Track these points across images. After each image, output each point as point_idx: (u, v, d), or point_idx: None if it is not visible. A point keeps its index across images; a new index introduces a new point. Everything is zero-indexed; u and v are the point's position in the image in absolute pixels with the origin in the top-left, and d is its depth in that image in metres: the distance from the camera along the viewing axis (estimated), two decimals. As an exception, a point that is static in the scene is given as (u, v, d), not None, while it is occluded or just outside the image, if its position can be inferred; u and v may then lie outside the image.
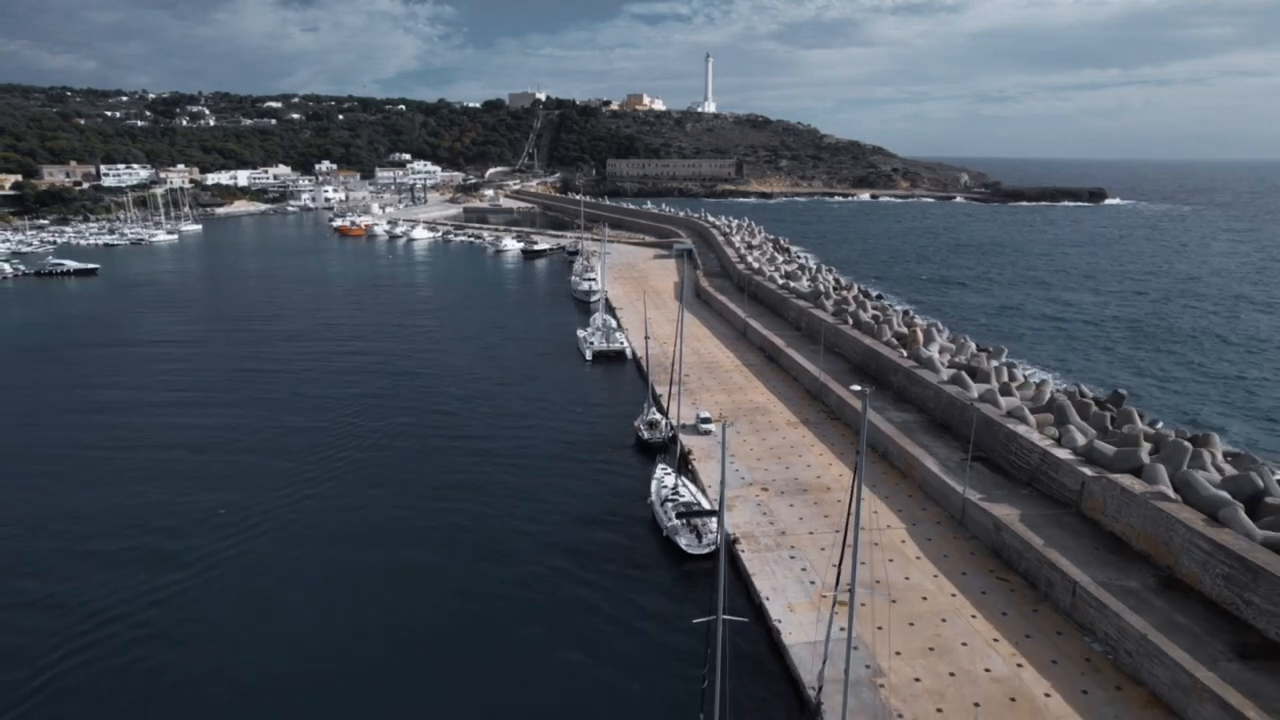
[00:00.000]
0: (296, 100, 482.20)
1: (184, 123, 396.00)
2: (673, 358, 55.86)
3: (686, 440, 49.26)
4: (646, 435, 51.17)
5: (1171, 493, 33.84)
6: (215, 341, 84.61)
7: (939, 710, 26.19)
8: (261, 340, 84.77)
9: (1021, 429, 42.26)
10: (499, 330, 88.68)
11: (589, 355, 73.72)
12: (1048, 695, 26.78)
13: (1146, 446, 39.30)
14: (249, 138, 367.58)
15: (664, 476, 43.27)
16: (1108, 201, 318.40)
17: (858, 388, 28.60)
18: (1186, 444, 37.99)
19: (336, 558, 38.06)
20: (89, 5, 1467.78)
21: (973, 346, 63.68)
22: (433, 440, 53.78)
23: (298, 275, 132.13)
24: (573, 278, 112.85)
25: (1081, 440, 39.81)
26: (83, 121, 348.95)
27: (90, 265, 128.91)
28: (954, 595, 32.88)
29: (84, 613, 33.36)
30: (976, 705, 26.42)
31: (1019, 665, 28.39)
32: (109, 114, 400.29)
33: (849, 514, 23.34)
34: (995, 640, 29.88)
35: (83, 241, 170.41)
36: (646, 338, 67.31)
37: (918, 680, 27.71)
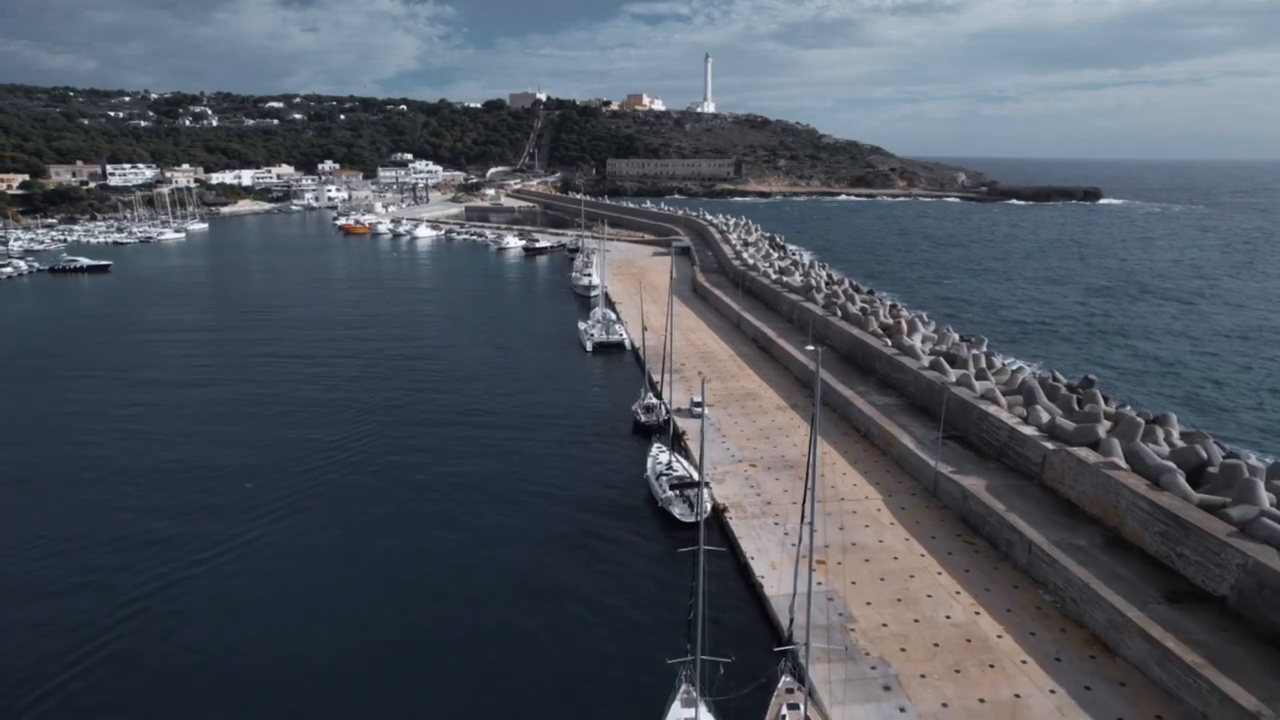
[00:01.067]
0: (298, 100, 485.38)
1: (187, 123, 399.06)
2: (664, 344, 58.99)
3: (681, 423, 52.58)
4: (643, 418, 54.37)
5: (1123, 463, 36.98)
6: (233, 330, 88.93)
7: (902, 650, 29.36)
8: (276, 329, 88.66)
9: (992, 409, 45.44)
10: (503, 323, 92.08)
11: (589, 346, 76.94)
12: (1000, 637, 29.97)
13: (1106, 424, 42.46)
14: (252, 138, 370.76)
15: (659, 454, 46.43)
16: (1102, 201, 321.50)
17: (811, 347, 31.88)
18: (1140, 420, 41.20)
19: (361, 514, 41.55)
20: (89, 5, 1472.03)
21: (955, 337, 66.89)
22: (442, 421, 57.21)
23: (306, 271, 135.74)
24: (573, 274, 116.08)
25: (1046, 418, 43.01)
26: (86, 122, 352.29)
27: (103, 262, 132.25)
28: (922, 555, 36.08)
29: (150, 552, 36.57)
30: (936, 645, 29.59)
31: (977, 613, 31.57)
32: (112, 114, 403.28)
33: (809, 464, 26.38)
34: (957, 593, 33.06)
35: (92, 240, 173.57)
36: (644, 329, 70.54)
37: (885, 626, 30.88)
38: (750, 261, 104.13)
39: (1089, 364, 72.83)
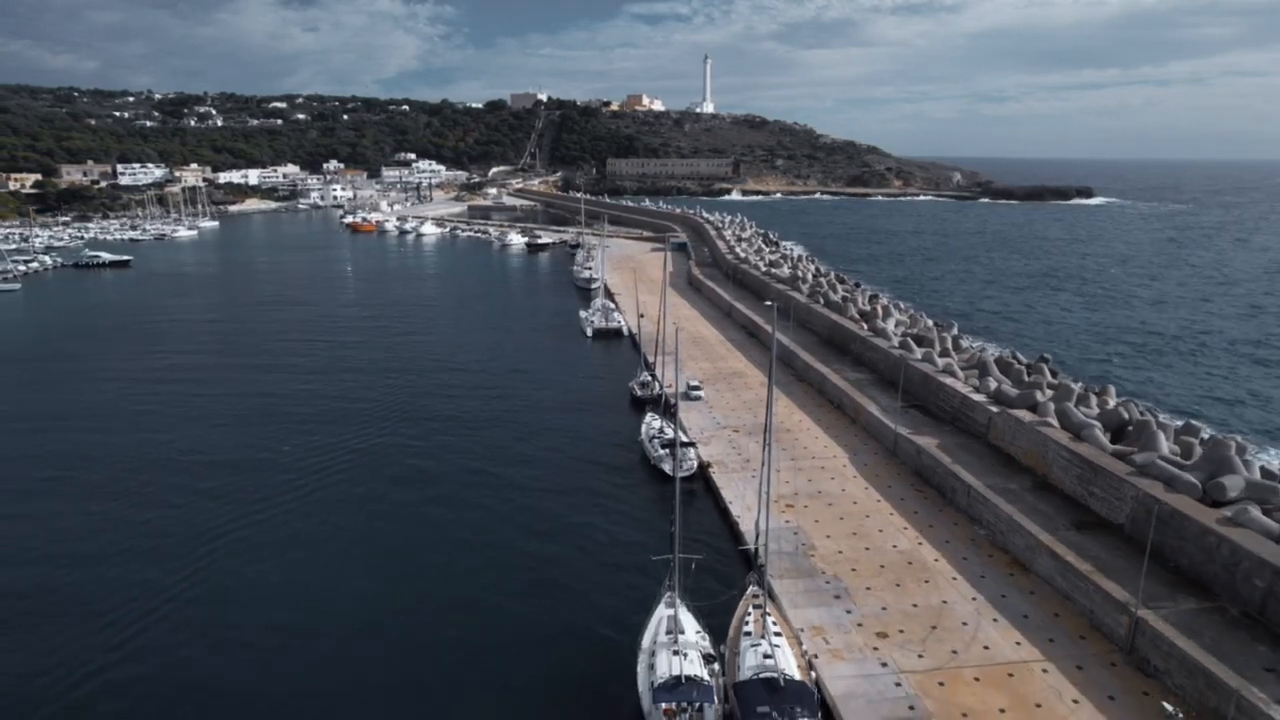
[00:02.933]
0: (301, 100, 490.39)
1: (192, 123, 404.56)
2: (658, 325, 64.40)
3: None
4: (639, 393, 60.00)
5: (1054, 421, 42.55)
6: (261, 317, 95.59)
7: (853, 570, 34.91)
8: (298, 317, 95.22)
9: (949, 380, 51.00)
10: (508, 312, 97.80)
11: (590, 333, 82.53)
12: (936, 560, 35.53)
13: (1049, 392, 48.02)
14: (257, 138, 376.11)
15: (652, 421, 52.01)
16: (1094, 200, 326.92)
17: (769, 302, 37.58)
18: (1074, 387, 46.85)
19: (396, 467, 47.16)
20: (90, 5, 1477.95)
21: (928, 321, 72.48)
22: (458, 395, 63.19)
23: (321, 266, 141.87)
24: (574, 268, 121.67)
25: (994, 386, 48.59)
26: (93, 122, 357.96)
27: (124, 257, 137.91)
28: (878, 501, 41.64)
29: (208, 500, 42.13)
30: (882, 567, 35.15)
31: (919, 543, 37.13)
32: (117, 114, 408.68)
33: (768, 403, 31.87)
34: (905, 528, 38.63)
35: (108, 237, 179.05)
36: (640, 316, 76.23)
37: (840, 552, 36.44)
38: (742, 255, 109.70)
39: (1047, 345, 78.41)
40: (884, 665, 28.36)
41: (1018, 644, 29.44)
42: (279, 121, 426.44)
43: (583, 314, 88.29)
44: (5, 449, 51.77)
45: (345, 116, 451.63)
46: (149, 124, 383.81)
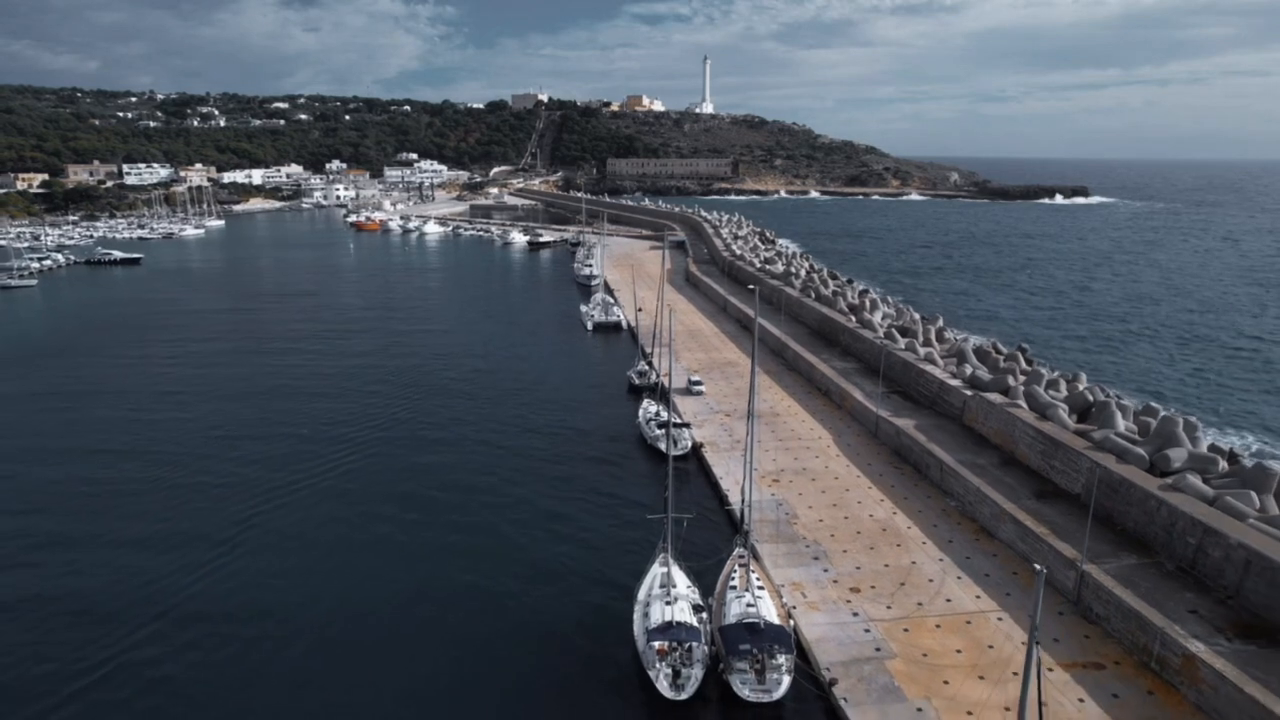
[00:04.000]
0: (302, 100, 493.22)
1: (195, 123, 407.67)
2: (655, 317, 67.48)
3: (678, 399, 61.05)
4: (637, 381, 63.16)
5: (1023, 403, 45.71)
6: (270, 310, 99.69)
7: (831, 536, 38.07)
8: (309, 309, 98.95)
9: (929, 367, 54.16)
10: (512, 307, 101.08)
11: (590, 326, 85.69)
12: (908, 528, 38.69)
13: (1022, 378, 51.17)
14: (260, 138, 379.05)
15: (649, 405, 55.18)
16: (1089, 199, 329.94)
17: (752, 286, 40.66)
18: (1045, 373, 50.00)
19: (413, 439, 50.64)
20: (91, 5, 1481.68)
21: (914, 314, 75.64)
22: (465, 380, 67.06)
23: (328, 262, 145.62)
24: (575, 265, 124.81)
25: (970, 372, 51.75)
26: (97, 122, 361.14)
27: (135, 255, 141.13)
28: (859, 476, 44.82)
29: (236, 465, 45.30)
30: (858, 533, 38.31)
31: (894, 513, 40.29)
32: (121, 115, 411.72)
33: (751, 374, 34.99)
34: (881, 500, 41.79)
35: (117, 236, 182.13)
36: (638, 310, 79.35)
37: (820, 521, 39.60)
38: (738, 253, 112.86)
39: (1028, 336, 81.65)
40: (855, 615, 31.53)
41: (977, 597, 32.62)
42: (281, 122, 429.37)
43: (583, 309, 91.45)
44: (46, 425, 55.31)
45: (347, 117, 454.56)
46: (153, 124, 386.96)
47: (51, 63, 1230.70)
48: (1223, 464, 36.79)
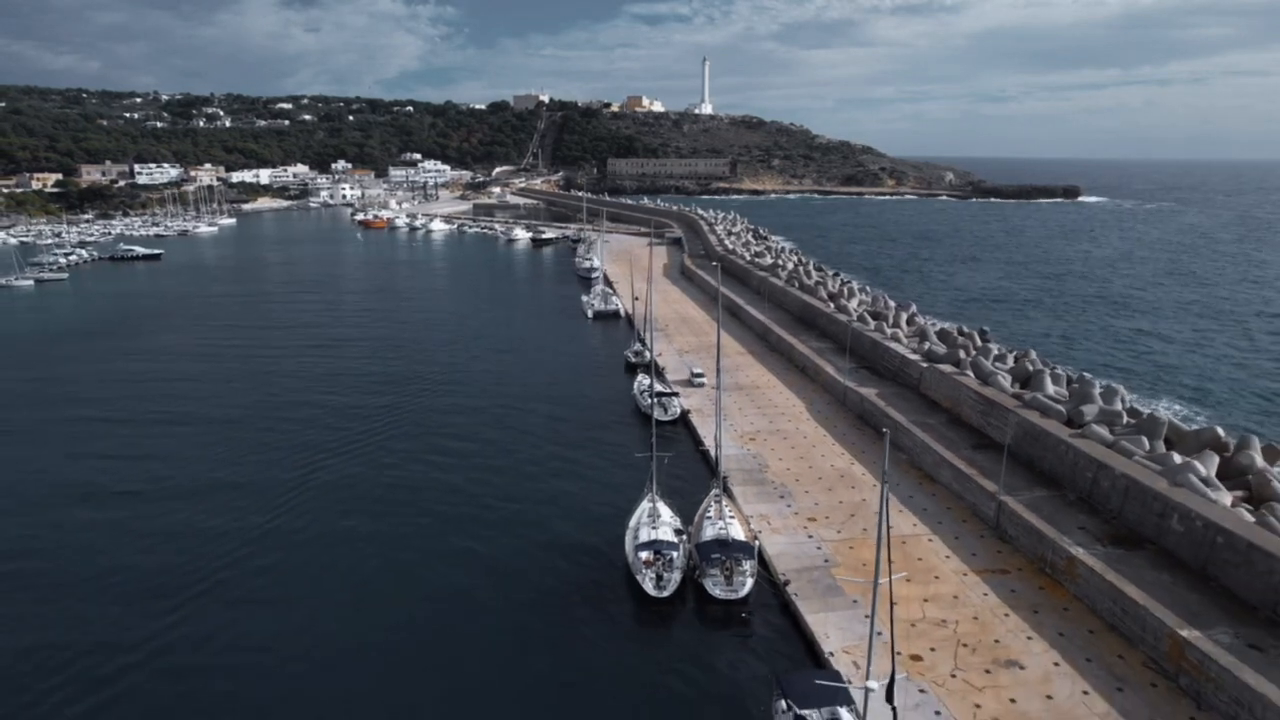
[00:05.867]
0: (306, 101, 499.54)
1: (200, 124, 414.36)
2: (647, 304, 73.74)
3: (682, 389, 66.57)
4: (633, 359, 69.57)
5: (970, 373, 52.04)
6: (289, 299, 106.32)
7: (797, 480, 44.40)
8: (333, 298, 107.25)
9: (893, 344, 60.51)
10: (517, 298, 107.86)
11: (590, 314, 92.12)
12: (863, 475, 45.05)
13: (973, 353, 57.52)
14: (266, 138, 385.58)
15: (643, 380, 61.57)
16: (1081, 199, 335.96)
17: (715, 263, 47.10)
18: (993, 349, 56.38)
19: (429, 409, 56.89)
20: (93, 6, 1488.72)
21: (888, 301, 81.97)
22: (476, 359, 73.51)
23: (340, 257, 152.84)
24: (576, 259, 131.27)
25: (927, 347, 58.10)
26: (104, 123, 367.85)
27: (155, 251, 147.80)
28: (825, 436, 51.19)
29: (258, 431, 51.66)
30: (820, 478, 44.64)
31: (852, 464, 46.66)
32: (127, 115, 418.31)
33: (716, 345, 41.32)
34: (842, 454, 48.14)
35: (133, 233, 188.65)
36: (635, 299, 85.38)
37: (788, 469, 45.95)
38: (730, 247, 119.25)
39: (992, 320, 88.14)
40: (810, 537, 37.89)
41: (914, 525, 38.99)
42: (286, 122, 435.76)
43: (584, 298, 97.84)
44: (104, 396, 61.98)
45: (351, 117, 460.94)
46: (159, 125, 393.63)
47: (53, 63, 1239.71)
48: (1126, 417, 43.16)
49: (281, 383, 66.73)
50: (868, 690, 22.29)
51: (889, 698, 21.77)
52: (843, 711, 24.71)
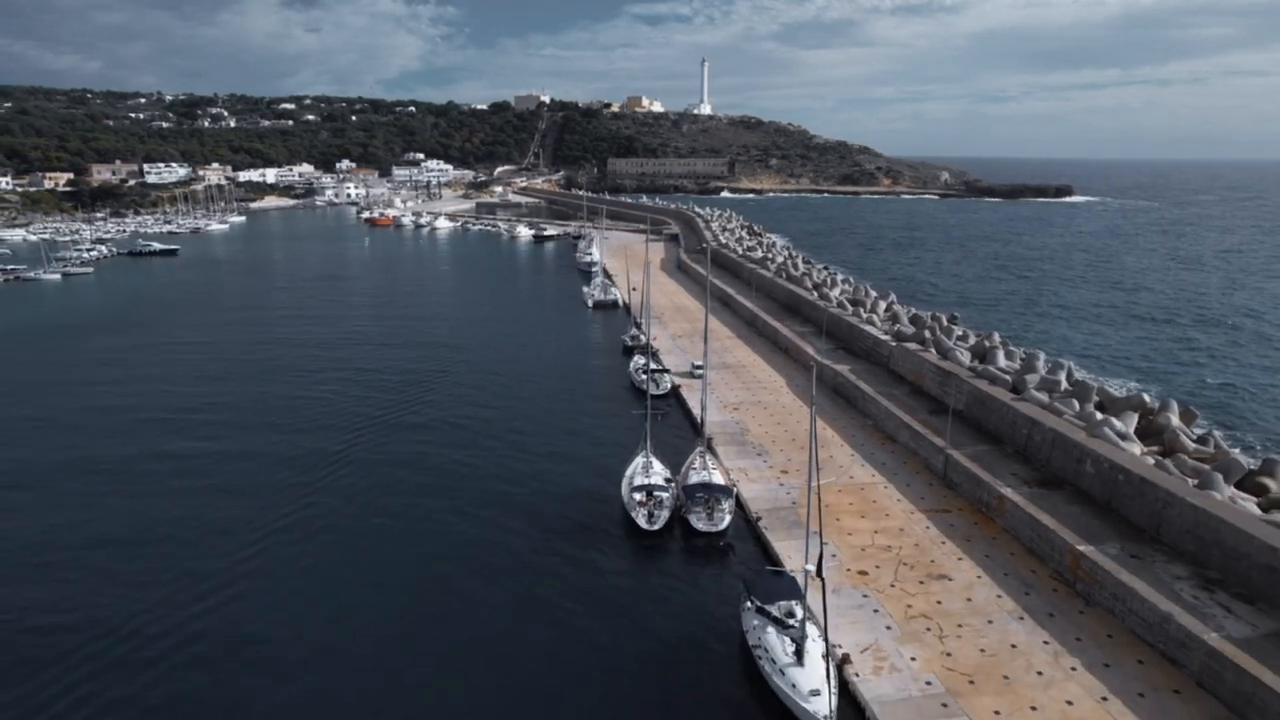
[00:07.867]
0: (309, 101, 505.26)
1: (205, 124, 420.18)
2: (643, 293, 79.24)
3: (682, 380, 72.20)
4: (630, 343, 75.29)
5: (932, 350, 57.71)
6: (311, 289, 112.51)
7: (772, 441, 50.06)
8: (345, 290, 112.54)
9: (866, 326, 66.19)
10: (521, 290, 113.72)
11: (590, 304, 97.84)
12: (833, 436, 50.65)
13: (939, 333, 63.17)
14: (271, 138, 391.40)
15: (638, 360, 67.28)
16: (1073, 198, 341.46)
17: (704, 245, 53.04)
18: (956, 329, 62.08)
19: (445, 392, 62.36)
20: (94, 6, 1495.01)
21: (869, 290, 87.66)
22: (484, 347, 78.78)
23: (349, 253, 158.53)
24: (577, 254, 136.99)
25: (897, 328, 63.80)
26: (110, 123, 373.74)
27: (172, 247, 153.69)
28: (800, 405, 56.84)
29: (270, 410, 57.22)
30: (793, 440, 50.30)
31: (824, 428, 52.26)
32: (132, 115, 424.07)
33: (704, 324, 46.95)
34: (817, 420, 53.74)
35: (146, 230, 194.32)
36: (632, 290, 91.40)
37: (766, 433, 51.61)
38: (724, 242, 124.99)
39: (961, 307, 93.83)
40: (781, 484, 43.57)
41: (873, 476, 44.64)
42: (289, 123, 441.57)
43: (584, 290, 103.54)
44: (124, 380, 67.52)
45: (354, 118, 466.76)
46: (165, 125, 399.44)
47: (54, 63, 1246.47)
48: (1065, 384, 48.86)
49: (314, 359, 72.75)
50: (806, 571, 27.94)
51: (819, 572, 27.35)
52: (795, 605, 30.31)
